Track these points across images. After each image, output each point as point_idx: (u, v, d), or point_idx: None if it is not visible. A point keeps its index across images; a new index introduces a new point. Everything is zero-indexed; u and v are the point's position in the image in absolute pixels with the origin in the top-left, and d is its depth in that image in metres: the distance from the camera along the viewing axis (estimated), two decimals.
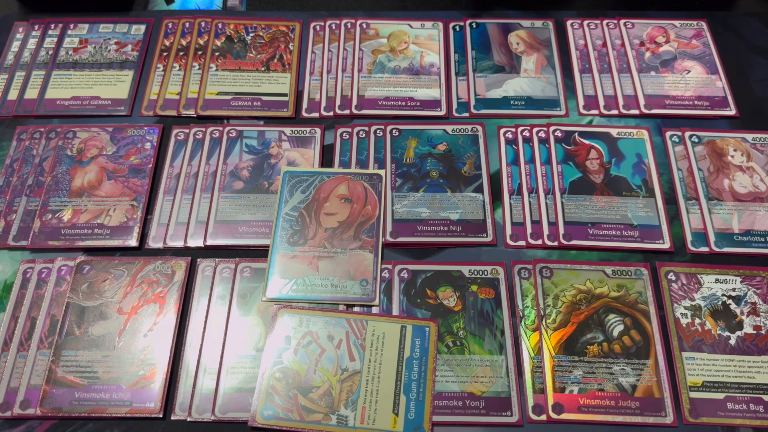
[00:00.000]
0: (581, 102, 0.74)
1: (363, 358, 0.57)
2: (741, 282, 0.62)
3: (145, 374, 0.56)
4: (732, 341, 0.59)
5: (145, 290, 0.61)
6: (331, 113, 0.73)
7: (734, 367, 0.57)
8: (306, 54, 0.78)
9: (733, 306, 0.60)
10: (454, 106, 0.74)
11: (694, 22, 0.81)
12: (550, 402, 0.56)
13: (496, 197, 0.67)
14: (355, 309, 0.60)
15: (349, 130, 0.72)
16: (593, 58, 0.78)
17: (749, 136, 0.71)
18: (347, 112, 0.73)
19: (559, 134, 0.71)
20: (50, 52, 0.78)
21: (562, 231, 0.65)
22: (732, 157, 0.70)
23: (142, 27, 0.81)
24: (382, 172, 0.68)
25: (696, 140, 0.71)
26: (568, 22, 0.81)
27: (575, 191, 0.67)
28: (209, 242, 0.64)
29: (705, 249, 0.64)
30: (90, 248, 0.64)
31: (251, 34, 0.80)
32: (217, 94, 0.75)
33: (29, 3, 0.84)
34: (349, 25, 0.80)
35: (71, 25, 0.81)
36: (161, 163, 0.69)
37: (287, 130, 0.71)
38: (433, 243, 0.64)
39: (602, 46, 0.79)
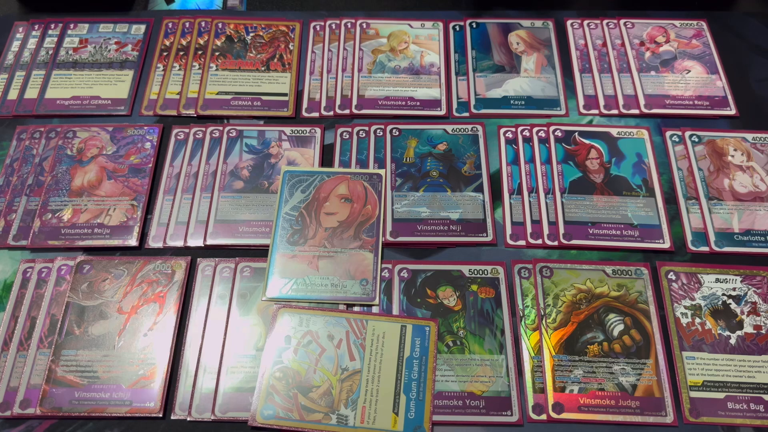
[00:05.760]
0: (581, 102, 0.74)
1: (363, 357, 0.57)
2: (741, 281, 0.62)
3: (145, 374, 0.56)
4: (732, 341, 0.59)
5: (145, 290, 0.61)
6: (331, 113, 0.73)
7: (734, 366, 0.57)
8: (306, 54, 0.78)
9: (733, 305, 0.60)
10: (454, 105, 0.74)
11: (694, 22, 0.81)
12: (551, 401, 0.56)
13: (496, 197, 0.67)
14: (355, 308, 0.60)
15: (349, 129, 0.72)
16: (593, 57, 0.78)
17: (749, 136, 0.71)
18: (347, 111, 0.73)
19: (559, 134, 0.71)
20: (50, 52, 0.78)
21: (562, 230, 0.65)
22: (732, 156, 0.70)
23: (142, 27, 0.81)
24: (382, 171, 0.68)
25: (696, 140, 0.71)
26: (568, 22, 0.81)
27: (575, 191, 0.67)
28: (209, 242, 0.64)
29: (705, 248, 0.64)
30: (90, 248, 0.64)
31: (251, 34, 0.80)
32: (217, 93, 0.75)
33: (29, 3, 0.84)
34: (349, 25, 0.80)
35: (71, 25, 0.81)
36: (161, 162, 0.69)
37: (287, 129, 0.71)
38: (433, 242, 0.64)
39: (602, 45, 0.79)
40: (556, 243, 0.64)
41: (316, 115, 0.73)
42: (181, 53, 0.78)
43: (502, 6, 0.83)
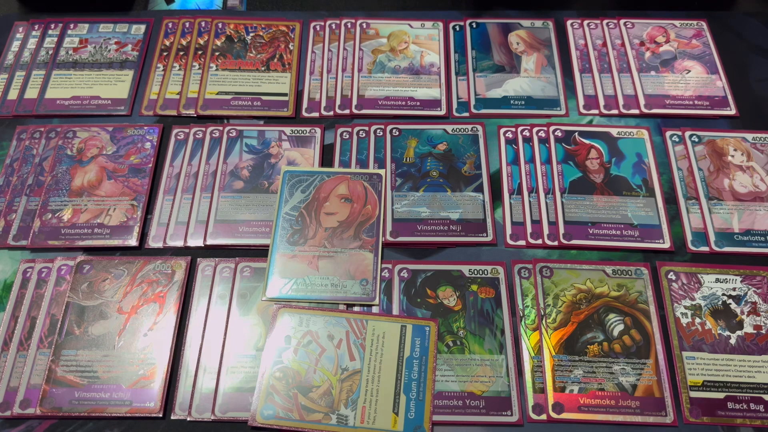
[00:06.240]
0: (581, 102, 0.74)
1: (363, 357, 0.57)
2: (741, 281, 0.62)
3: (145, 374, 0.56)
4: (732, 341, 0.59)
5: (145, 290, 0.61)
6: (331, 113, 0.73)
7: (734, 366, 0.57)
8: (306, 54, 0.78)
9: (733, 305, 0.60)
10: (454, 105, 0.74)
11: (694, 22, 0.81)
12: (551, 401, 0.56)
13: (496, 197, 0.67)
14: (355, 308, 0.60)
15: (349, 129, 0.72)
16: (593, 57, 0.78)
17: (749, 136, 0.71)
18: (347, 111, 0.73)
19: (559, 134, 0.71)
20: (50, 52, 0.78)
21: (562, 230, 0.65)
22: (732, 156, 0.70)
23: (142, 27, 0.81)
24: (382, 171, 0.68)
25: (696, 140, 0.71)
26: (568, 22, 0.81)
27: (575, 191, 0.67)
28: (209, 242, 0.64)
29: (705, 248, 0.64)
30: (90, 248, 0.64)
31: (251, 34, 0.80)
32: (217, 93, 0.75)
33: (29, 3, 0.84)
34: (349, 25, 0.80)
35: (71, 25, 0.81)
36: (161, 162, 0.69)
37: (287, 129, 0.71)
38: (433, 242, 0.64)
39: (602, 45, 0.79)
40: (556, 243, 0.64)
41: (316, 115, 0.73)
42: (181, 53, 0.78)
43: (502, 6, 0.83)
